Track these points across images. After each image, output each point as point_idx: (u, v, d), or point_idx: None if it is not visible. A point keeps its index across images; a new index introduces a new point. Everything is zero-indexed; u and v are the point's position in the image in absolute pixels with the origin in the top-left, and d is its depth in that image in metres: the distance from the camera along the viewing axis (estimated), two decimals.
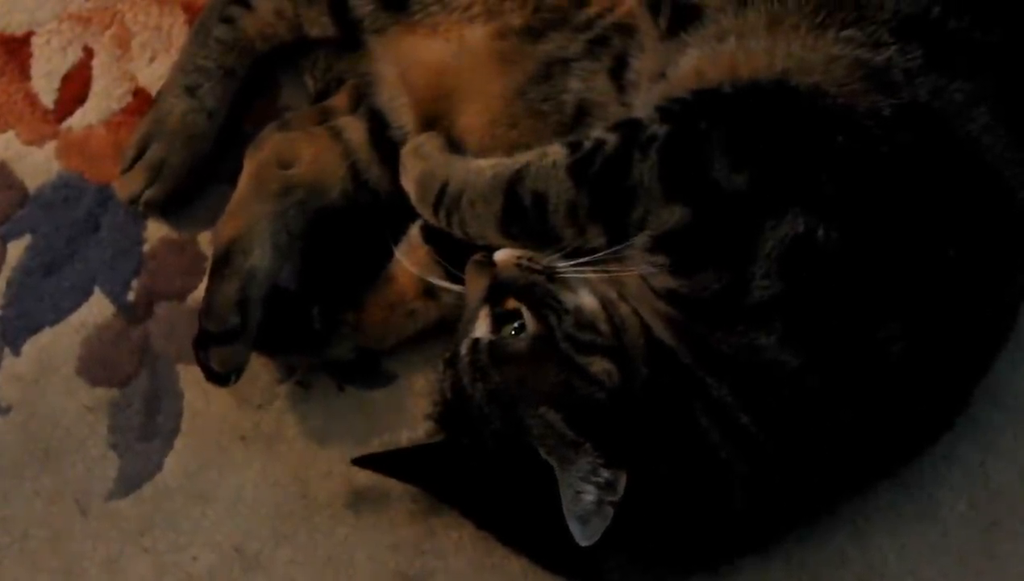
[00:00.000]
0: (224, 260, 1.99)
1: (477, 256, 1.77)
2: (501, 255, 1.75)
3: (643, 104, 1.82)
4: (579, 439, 1.62)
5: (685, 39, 1.82)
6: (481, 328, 1.73)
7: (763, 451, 1.68)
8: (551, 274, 1.72)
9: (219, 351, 1.95)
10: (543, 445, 1.63)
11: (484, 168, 1.80)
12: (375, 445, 1.99)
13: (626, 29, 1.90)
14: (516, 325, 1.70)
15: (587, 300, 1.71)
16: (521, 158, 1.77)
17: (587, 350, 1.67)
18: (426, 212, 1.86)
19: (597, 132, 1.75)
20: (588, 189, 1.70)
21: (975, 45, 1.75)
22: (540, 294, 1.71)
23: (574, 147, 1.74)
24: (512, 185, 1.75)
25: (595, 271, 1.70)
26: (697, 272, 1.65)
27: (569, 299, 1.71)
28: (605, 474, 1.61)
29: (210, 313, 1.96)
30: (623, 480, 1.61)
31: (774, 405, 1.66)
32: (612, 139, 1.72)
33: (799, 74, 1.70)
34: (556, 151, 1.75)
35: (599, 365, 1.66)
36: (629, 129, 1.72)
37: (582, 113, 1.92)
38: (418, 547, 1.99)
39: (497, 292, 1.73)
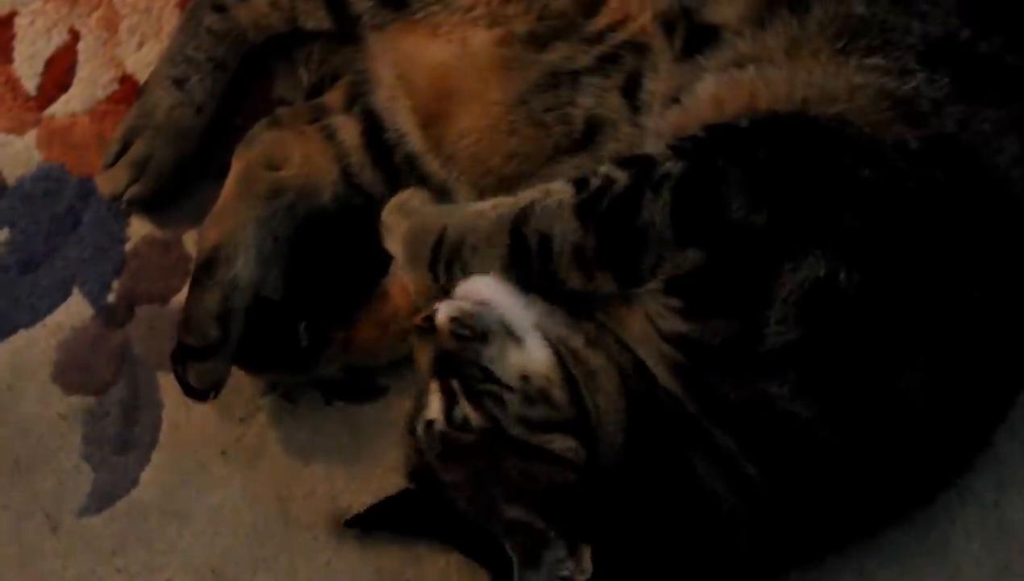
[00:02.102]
0: (206, 268, 1.93)
1: (418, 319, 1.66)
2: (440, 317, 1.63)
3: (656, 129, 1.76)
4: (548, 529, 1.55)
5: (701, 63, 1.74)
6: (433, 407, 1.63)
7: (769, 502, 1.61)
8: (484, 336, 1.60)
9: (197, 366, 1.89)
10: (508, 539, 1.57)
11: (485, 210, 1.71)
12: (362, 463, 1.95)
13: (639, 48, 1.82)
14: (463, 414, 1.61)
15: (537, 358, 1.61)
16: (525, 196, 1.69)
17: (542, 428, 1.58)
18: (419, 271, 1.75)
19: (605, 168, 1.66)
20: (595, 230, 1.61)
21: (1006, 70, 1.69)
22: (476, 377, 1.60)
23: (580, 185, 1.65)
24: (517, 225, 1.66)
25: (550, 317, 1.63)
26: (711, 317, 1.57)
27: (514, 365, 1.60)
28: (569, 565, 1.54)
29: (189, 326, 1.90)
30: (588, 555, 1.54)
31: (783, 456, 1.59)
32: (622, 177, 1.63)
33: (821, 104, 1.64)
34: (562, 189, 1.66)
35: (560, 443, 1.57)
36: (641, 167, 1.64)
37: (593, 130, 1.84)
38: (401, 575, 1.92)
39: (442, 365, 1.63)
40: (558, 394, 1.59)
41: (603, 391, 1.60)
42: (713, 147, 1.63)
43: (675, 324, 1.58)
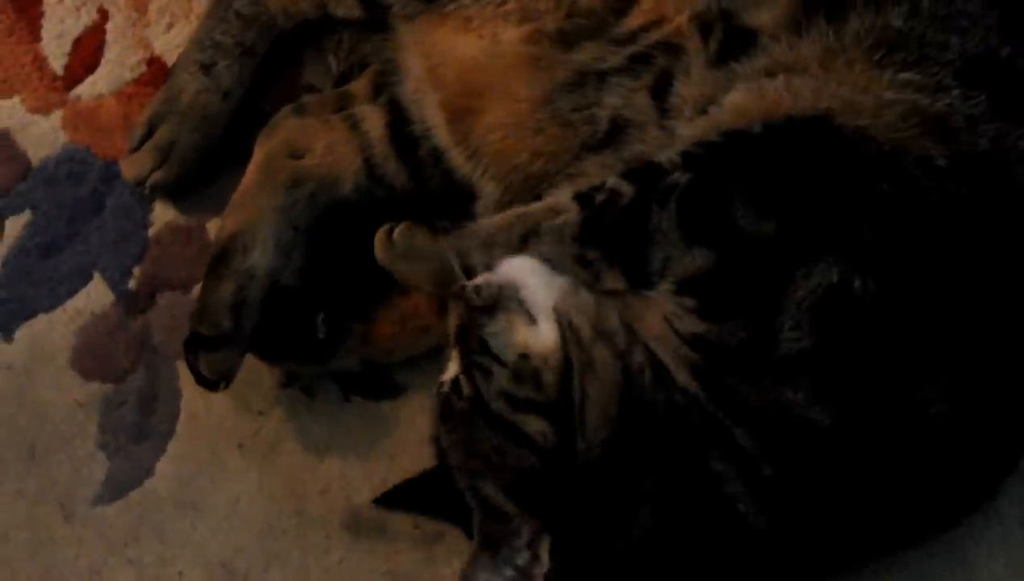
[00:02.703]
0: (223, 257, 1.92)
1: (456, 286, 1.66)
2: (467, 287, 1.64)
3: (684, 136, 1.72)
4: (514, 514, 1.54)
5: (735, 69, 1.71)
6: (451, 370, 1.63)
7: (783, 506, 1.57)
8: (491, 309, 1.60)
9: (209, 356, 1.88)
10: (477, 516, 1.56)
11: (495, 232, 1.69)
12: (378, 461, 1.94)
13: (672, 49, 1.78)
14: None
15: (543, 339, 1.59)
16: (532, 213, 1.67)
17: (522, 407, 1.56)
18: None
19: (612, 180, 1.64)
20: (599, 249, 1.62)
21: None
22: (473, 347, 1.60)
23: (586, 202, 1.64)
24: (526, 245, 1.66)
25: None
26: (727, 318, 1.54)
27: (517, 342, 1.59)
28: (525, 555, 1.53)
29: (202, 315, 1.89)
30: (546, 548, 1.52)
31: (799, 462, 1.56)
32: (629, 191, 1.62)
33: (844, 115, 1.60)
34: (568, 207, 1.65)
35: (534, 424, 1.55)
36: (647, 179, 1.62)
37: (618, 130, 1.81)
38: (413, 576, 1.90)
39: (460, 332, 1.63)
40: (549, 377, 1.57)
41: (598, 383, 1.57)
42: (723, 154, 1.61)
43: (692, 324, 1.56)
